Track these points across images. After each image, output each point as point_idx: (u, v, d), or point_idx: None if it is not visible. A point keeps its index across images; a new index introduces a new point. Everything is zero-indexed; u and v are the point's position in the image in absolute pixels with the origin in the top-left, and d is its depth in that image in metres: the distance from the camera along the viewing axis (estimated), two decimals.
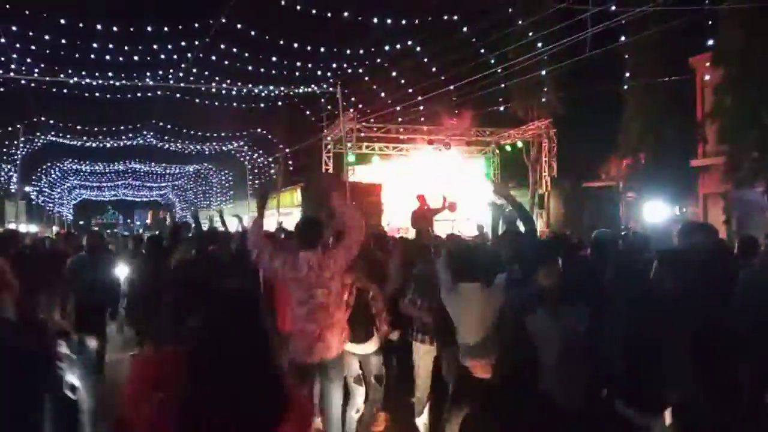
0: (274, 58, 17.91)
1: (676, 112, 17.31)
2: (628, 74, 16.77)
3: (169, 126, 25.90)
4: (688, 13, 12.60)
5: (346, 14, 15.13)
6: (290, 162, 27.38)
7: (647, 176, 17.90)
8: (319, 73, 19.04)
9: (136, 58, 17.08)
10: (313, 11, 15.05)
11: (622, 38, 13.19)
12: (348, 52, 18.01)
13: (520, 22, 15.64)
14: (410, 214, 15.55)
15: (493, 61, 15.44)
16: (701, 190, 18.05)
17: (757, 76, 13.29)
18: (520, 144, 21.77)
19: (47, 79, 18.33)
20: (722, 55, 14.27)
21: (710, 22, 13.96)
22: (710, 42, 14.36)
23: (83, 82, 18.67)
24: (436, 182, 19.73)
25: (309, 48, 17.63)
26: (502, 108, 19.71)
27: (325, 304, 4.66)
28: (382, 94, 19.87)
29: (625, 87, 16.61)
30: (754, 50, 13.37)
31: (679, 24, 13.30)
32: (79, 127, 24.43)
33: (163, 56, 17.61)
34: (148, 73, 18.88)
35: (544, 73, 15.89)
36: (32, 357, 1.86)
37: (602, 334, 3.76)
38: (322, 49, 17.71)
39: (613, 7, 11.60)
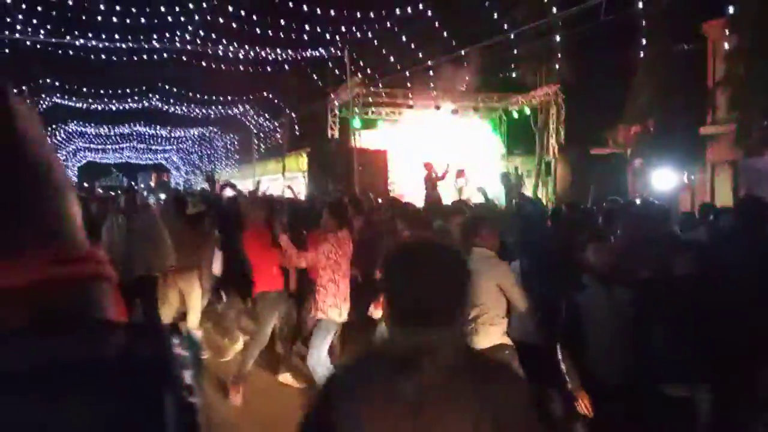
0: (282, 21, 17.70)
1: (687, 80, 17.16)
2: (639, 41, 16.56)
3: (174, 89, 25.79)
4: None
5: None
6: (296, 126, 27.28)
7: (655, 144, 17.86)
8: (327, 36, 18.84)
9: (143, 20, 16.91)
10: None
11: (639, 5, 12.99)
12: (357, 15, 17.77)
13: None
14: (420, 180, 15.64)
15: (505, 27, 15.24)
16: (709, 159, 18.01)
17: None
18: (527, 110, 21.63)
19: (53, 40, 18.21)
20: (736, 23, 14.10)
21: None
22: (724, 9, 14.17)
23: (89, 45, 18.53)
24: (443, 148, 19.72)
25: (317, 11, 17.41)
26: (513, 75, 19.53)
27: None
28: (391, 59, 19.68)
29: (640, 54, 16.41)
30: (765, 19, 13.23)
31: None
32: (84, 90, 24.37)
33: (169, 19, 17.45)
34: (154, 36, 18.71)
35: (558, 39, 15.69)
36: (151, 363, 1.73)
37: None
38: (331, 12, 17.47)
39: None
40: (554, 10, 14.16)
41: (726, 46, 14.97)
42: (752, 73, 13.92)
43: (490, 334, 4.33)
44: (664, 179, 17.37)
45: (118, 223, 6.72)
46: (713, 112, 17.30)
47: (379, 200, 13.53)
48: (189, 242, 7.16)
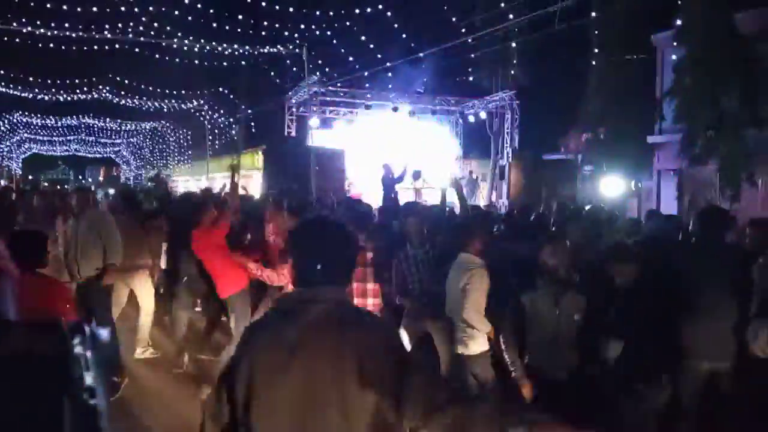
0: (239, 17, 17.46)
1: (637, 89, 17.67)
2: (592, 50, 17.00)
3: (126, 81, 25.11)
4: None
5: None
6: (252, 124, 26.97)
7: (605, 151, 18.32)
8: (286, 33, 18.69)
9: (94, 9, 16.39)
10: None
11: (593, 14, 13.35)
12: (316, 13, 17.69)
13: None
14: (378, 180, 15.67)
15: (463, 31, 15.45)
16: (656, 166, 18.61)
17: (716, 58, 13.69)
18: (483, 114, 21.95)
19: None
20: (684, 35, 14.60)
21: (677, 2, 14.26)
22: (673, 22, 14.68)
23: (37, 32, 17.86)
24: (400, 149, 19.84)
25: (276, 7, 17.25)
26: (470, 79, 19.80)
27: None
28: (350, 59, 19.68)
29: (593, 63, 16.84)
30: (714, 32, 13.74)
31: (644, 2, 13.54)
32: (30, 79, 23.46)
33: (123, 8, 16.98)
34: (106, 26, 18.17)
35: (514, 45, 15.98)
36: (46, 361, 1.70)
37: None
38: (290, 9, 17.34)
39: None
40: (511, 16, 14.40)
41: (673, 57, 15.49)
42: (697, 85, 14.42)
43: (479, 339, 4.41)
44: (612, 185, 17.86)
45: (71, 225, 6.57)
46: (661, 122, 17.87)
47: (334, 199, 13.53)
48: (140, 240, 7.00)
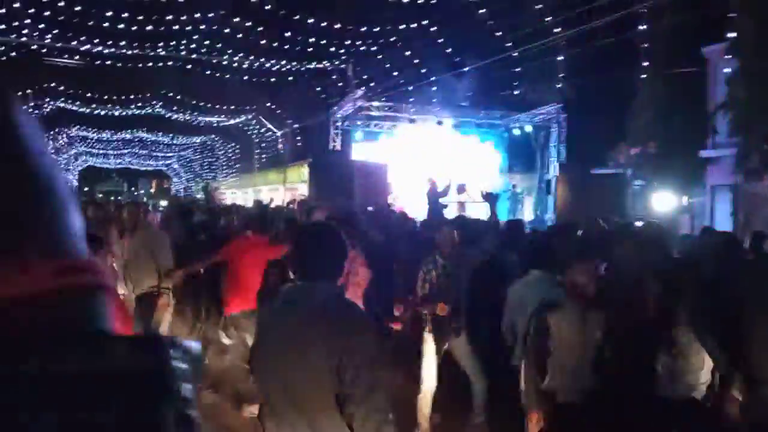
0: (287, 34, 17.81)
1: (688, 103, 17.28)
2: (642, 63, 16.69)
3: (178, 97, 25.86)
4: (703, 4, 12.54)
5: None
6: (298, 138, 27.37)
7: (656, 165, 17.94)
8: (331, 49, 18.96)
9: (149, 27, 16.99)
10: None
11: (641, 27, 13.13)
12: (361, 29, 17.90)
13: (537, 6, 15.56)
14: (421, 194, 15.68)
15: (509, 44, 15.38)
16: (709, 182, 18.06)
17: None
18: (529, 128, 21.73)
19: (59, 45, 18.30)
20: (737, 47, 14.22)
21: (728, 15, 13.91)
22: (726, 34, 14.31)
23: (95, 50, 18.63)
24: (445, 163, 19.80)
25: (322, 24, 17.52)
26: (516, 92, 19.65)
27: None
28: (395, 73, 19.80)
29: (642, 76, 16.53)
30: (766, 44, 13.34)
31: (693, 15, 13.24)
32: (88, 95, 24.40)
33: (176, 27, 17.53)
34: (160, 44, 18.80)
35: (561, 58, 15.82)
36: (151, 376, 1.75)
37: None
38: (336, 25, 17.58)
39: None
40: (557, 30, 14.27)
41: (725, 70, 15.08)
42: (752, 97, 14.00)
43: None
44: (664, 201, 17.42)
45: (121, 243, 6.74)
46: (713, 136, 17.38)
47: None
48: (193, 254, 7.05)
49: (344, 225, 5.65)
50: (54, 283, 0.48)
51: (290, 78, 22.60)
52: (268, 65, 20.75)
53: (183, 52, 19.79)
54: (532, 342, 3.94)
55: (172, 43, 19.24)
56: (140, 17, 16.55)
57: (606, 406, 3.65)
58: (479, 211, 19.34)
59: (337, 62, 19.97)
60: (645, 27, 13.37)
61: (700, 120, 17.37)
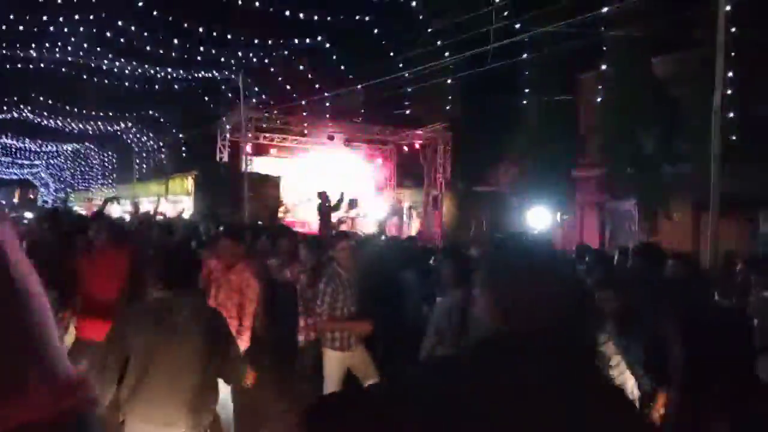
0: (175, 41, 17.24)
1: (561, 126, 18.61)
2: (523, 89, 17.86)
3: (49, 101, 24.12)
4: (579, 37, 13.69)
5: (257, 4, 14.91)
6: (183, 148, 26.43)
7: (531, 184, 19.12)
8: (222, 60, 18.58)
9: (21, 27, 15.79)
10: None
11: (524, 55, 14.10)
12: (255, 41, 17.73)
13: (428, 30, 16.24)
14: (314, 208, 15.72)
15: (401, 65, 15.90)
16: (579, 200, 19.54)
17: (635, 100, 14.73)
18: (417, 145, 22.48)
19: None
20: (606, 78, 15.63)
21: (603, 48, 15.26)
22: (599, 64, 15.69)
23: None
24: (336, 178, 19.97)
25: (214, 33, 17.15)
26: (407, 112, 20.25)
27: None
28: (287, 87, 19.75)
29: (523, 102, 17.68)
30: (634, 76, 14.82)
31: (569, 46, 14.42)
32: None
33: (51, 27, 16.41)
34: (33, 44, 17.49)
35: (449, 81, 16.56)
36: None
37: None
38: (228, 36, 17.28)
39: (517, 25, 12.41)
40: (447, 54, 14.97)
41: (596, 98, 16.50)
42: (618, 124, 15.42)
43: None
44: (539, 217, 18.64)
45: None
46: (583, 157, 18.85)
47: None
48: None
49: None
50: (55, 407, 0.51)
51: (176, 86, 21.82)
52: (152, 72, 19.91)
53: (57, 54, 18.52)
54: None
55: (46, 44, 17.96)
56: (12, 16, 15.34)
57: None
58: (369, 226, 19.73)
59: (227, 73, 19.55)
60: (525, 55, 14.37)
61: (572, 142, 18.80)
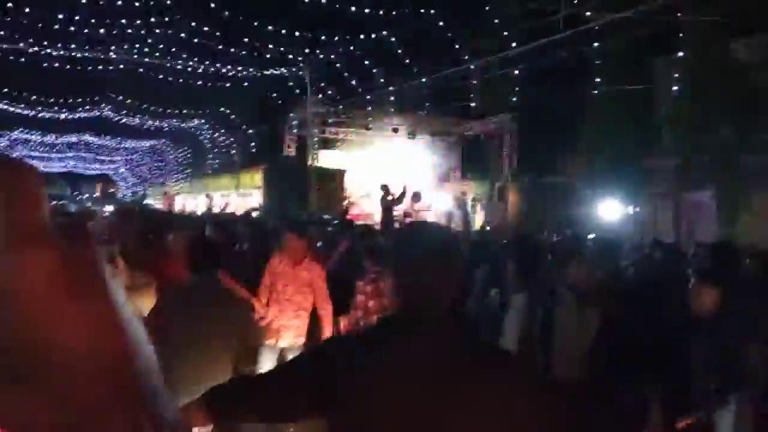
0: (245, 39, 17.71)
1: (634, 115, 17.98)
2: (591, 76, 17.31)
3: (128, 100, 25.28)
4: (652, 23, 13.15)
5: (324, 0, 15.09)
6: (252, 143, 27.13)
7: (603, 175, 18.56)
8: (290, 56, 18.93)
9: (101, 31, 16.60)
10: None
11: (594, 45, 13.68)
12: (321, 38, 17.96)
13: (495, 21, 15.99)
14: (378, 201, 15.80)
15: (466, 57, 15.74)
16: (652, 191, 18.80)
17: (714, 87, 14.03)
18: (482, 136, 22.20)
19: (4, 46, 17.65)
20: (683, 64, 14.95)
21: (679, 35, 14.61)
22: (674, 49, 15.03)
23: (42, 52, 18.05)
24: (400, 170, 20.01)
25: (280, 30, 17.49)
26: (472, 105, 20.04)
27: None
28: (353, 82, 19.93)
29: (593, 92, 17.16)
30: (713, 61, 14.10)
31: (643, 32, 13.87)
32: (34, 97, 23.60)
33: (129, 30, 17.17)
34: (111, 46, 18.36)
35: (516, 72, 16.27)
36: None
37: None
38: (296, 33, 17.59)
39: (587, 12, 12.04)
40: (514, 45, 14.71)
41: (671, 86, 15.80)
42: (696, 112, 14.74)
43: None
44: (610, 209, 18.07)
45: None
46: (658, 147, 18.13)
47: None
48: None
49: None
50: None
51: (245, 83, 22.41)
52: (223, 70, 20.53)
53: (135, 55, 19.38)
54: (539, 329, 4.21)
55: (123, 45, 18.82)
56: (92, 20, 16.14)
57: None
58: (432, 219, 19.67)
59: (293, 68, 19.91)
60: (593, 44, 13.93)
61: (645, 131, 18.10)
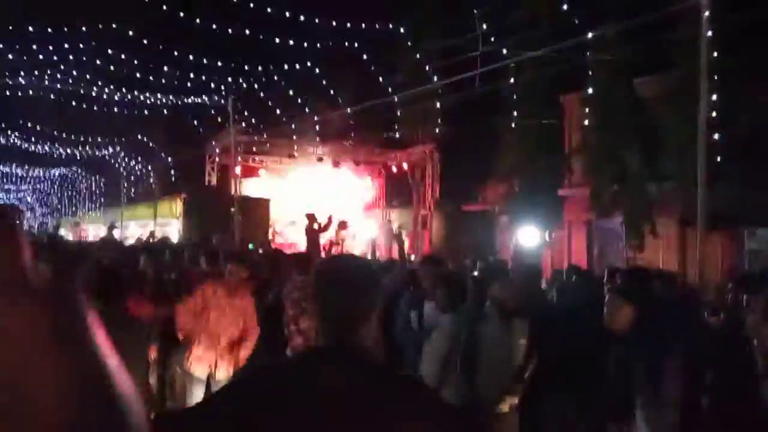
0: (165, 68, 17.40)
1: (547, 145, 18.85)
2: (508, 108, 18.12)
3: (37, 127, 24.12)
4: (563, 61, 14.02)
5: (247, 31, 15.12)
6: (172, 171, 26.46)
7: (520, 202, 19.28)
8: (212, 85, 18.74)
9: (10, 56, 15.86)
10: (213, 26, 14.91)
11: (511, 80, 14.39)
12: (245, 67, 17.93)
13: (417, 55, 16.52)
14: (302, 230, 15.74)
15: (390, 89, 16.15)
16: (567, 218, 19.74)
17: (619, 120, 15.08)
18: (405, 166, 22.67)
19: None
20: (590, 99, 15.96)
21: (588, 72, 15.63)
22: (583, 85, 16.04)
23: None
24: (324, 199, 20.08)
25: (204, 60, 17.34)
26: (397, 135, 20.47)
27: None
28: (277, 111, 19.92)
29: (511, 125, 17.95)
30: (617, 96, 15.17)
31: (554, 69, 14.75)
32: None
33: (41, 57, 16.49)
34: (21, 72, 17.57)
35: (438, 105, 16.83)
36: None
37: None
38: (219, 63, 17.47)
39: (504, 50, 12.70)
40: (435, 78, 15.26)
41: (581, 120, 16.81)
42: (602, 143, 15.72)
43: None
44: (528, 236, 18.80)
45: None
46: (570, 176, 19.09)
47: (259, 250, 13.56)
48: None
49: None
50: None
51: (165, 111, 21.94)
52: (141, 97, 20.03)
53: (47, 81, 18.61)
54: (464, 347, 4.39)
55: (35, 71, 18.03)
56: (1, 44, 15.41)
57: None
58: (359, 247, 19.83)
59: (216, 97, 19.71)
60: (512, 79, 14.69)
61: (559, 161, 19.04)
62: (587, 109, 16.20)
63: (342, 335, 1.60)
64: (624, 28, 13.00)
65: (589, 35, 12.53)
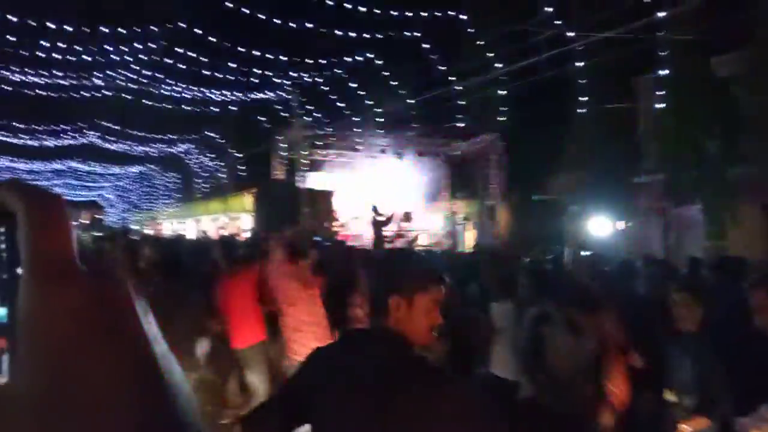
0: (231, 64, 17.76)
1: (619, 132, 18.15)
2: (576, 95, 17.49)
3: (116, 127, 25.22)
4: (635, 42, 13.36)
5: (309, 24, 15.21)
6: (242, 167, 27.13)
7: (591, 192, 18.67)
8: (277, 80, 19.01)
9: (87, 58, 16.59)
10: (274, 19, 15.07)
11: (578, 63, 13.85)
12: (309, 61, 18.07)
13: (479, 42, 16.17)
14: (366, 222, 15.82)
15: (453, 79, 15.89)
16: (641, 207, 18.94)
17: (696, 102, 14.24)
18: (470, 156, 22.33)
19: None
20: (664, 82, 15.16)
21: (660, 53, 14.85)
22: (655, 68, 15.26)
23: (28, 80, 17.99)
24: (389, 191, 20.06)
25: (267, 55, 17.57)
26: (461, 125, 20.19)
27: None
28: (340, 103, 20.03)
29: (579, 111, 17.34)
30: (693, 78, 14.33)
31: (626, 51, 14.08)
32: (22, 126, 23.47)
33: (115, 57, 17.17)
34: (96, 73, 18.34)
35: (502, 93, 16.43)
36: None
37: None
38: (282, 57, 17.68)
39: (571, 33, 12.21)
40: (501, 65, 14.89)
41: (654, 103, 16.01)
42: (679, 128, 14.92)
43: None
44: (599, 226, 18.16)
45: None
46: (644, 163, 18.29)
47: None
48: None
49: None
50: None
51: (233, 107, 22.46)
52: (210, 95, 20.57)
53: (121, 82, 19.38)
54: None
55: (108, 72, 18.78)
56: (77, 47, 16.10)
57: None
58: (424, 238, 19.71)
59: (281, 93, 20.00)
60: (576, 64, 14.12)
61: (631, 148, 18.27)
62: (661, 92, 15.39)
63: (376, 319, 1.81)
64: (701, 3, 12.25)
65: (662, 14, 11.85)
